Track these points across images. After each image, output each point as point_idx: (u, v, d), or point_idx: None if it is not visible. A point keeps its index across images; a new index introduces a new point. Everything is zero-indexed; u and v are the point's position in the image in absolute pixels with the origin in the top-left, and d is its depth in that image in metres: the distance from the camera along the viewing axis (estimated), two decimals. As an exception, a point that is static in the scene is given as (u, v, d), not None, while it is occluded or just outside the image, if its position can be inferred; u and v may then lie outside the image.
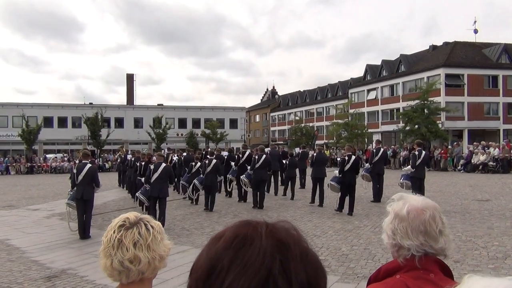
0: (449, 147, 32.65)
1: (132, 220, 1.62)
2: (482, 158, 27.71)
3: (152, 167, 11.29)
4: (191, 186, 14.89)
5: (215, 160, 13.99)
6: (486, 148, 28.58)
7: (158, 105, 63.79)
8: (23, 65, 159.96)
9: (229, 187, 17.26)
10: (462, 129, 43.76)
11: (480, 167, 27.33)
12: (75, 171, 10.18)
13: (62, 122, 56.85)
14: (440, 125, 37.83)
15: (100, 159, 41.26)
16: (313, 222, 10.96)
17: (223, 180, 16.66)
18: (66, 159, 42.37)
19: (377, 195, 14.49)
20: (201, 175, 14.29)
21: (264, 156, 14.31)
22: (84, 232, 9.67)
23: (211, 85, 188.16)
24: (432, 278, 1.61)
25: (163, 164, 11.24)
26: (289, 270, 0.72)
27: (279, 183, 17.99)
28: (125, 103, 65.16)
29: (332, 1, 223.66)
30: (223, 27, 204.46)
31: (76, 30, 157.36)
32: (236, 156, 16.91)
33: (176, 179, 16.72)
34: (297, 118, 64.55)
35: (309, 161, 18.17)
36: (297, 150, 20.71)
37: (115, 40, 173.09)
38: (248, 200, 15.18)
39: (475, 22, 52.10)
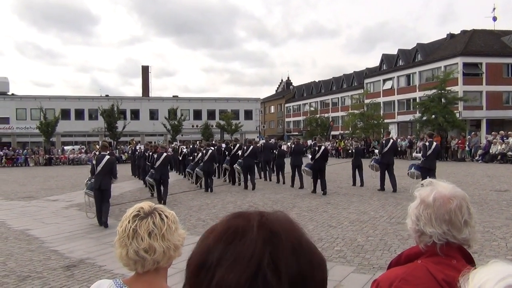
0: (468, 136, 32.18)
1: (147, 210, 1.63)
2: (500, 148, 27.27)
3: (155, 155, 13.98)
4: (194, 173, 17.75)
5: (211, 150, 16.74)
6: (505, 138, 28.11)
7: (173, 96, 64.09)
8: (39, 58, 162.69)
9: (223, 174, 20.24)
10: (480, 118, 43.05)
11: (499, 157, 26.92)
12: (94, 162, 10.68)
13: (79, 114, 57.53)
14: (457, 115, 37.24)
15: (117, 150, 41.68)
16: (328, 213, 10.93)
17: (218, 166, 20.10)
18: (83, 150, 42.95)
19: (383, 185, 14.86)
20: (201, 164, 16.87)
21: (251, 146, 17.15)
22: (101, 219, 10.06)
23: (225, 76, 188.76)
24: (454, 264, 1.60)
25: (164, 154, 13.90)
26: (279, 263, 0.69)
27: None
28: (141, 95, 65.64)
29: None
30: (236, 18, 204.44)
31: (90, 23, 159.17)
32: (229, 147, 20.03)
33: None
34: (312, 109, 64.15)
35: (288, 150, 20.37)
36: (310, 142, 21.62)
37: (129, 32, 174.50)
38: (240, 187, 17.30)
39: (494, 9, 50.78)
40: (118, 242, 1.62)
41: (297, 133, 67.67)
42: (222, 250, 0.71)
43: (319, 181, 14.59)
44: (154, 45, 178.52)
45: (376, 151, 17.56)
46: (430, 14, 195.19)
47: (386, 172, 14.77)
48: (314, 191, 14.66)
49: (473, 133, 33.72)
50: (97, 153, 11.93)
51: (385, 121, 46.18)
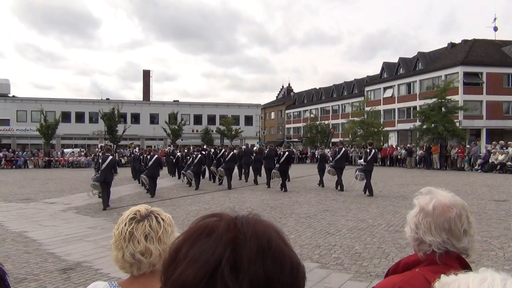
0: (467, 146, 32.17)
1: (143, 213, 1.63)
2: (500, 158, 27.27)
3: (148, 157, 17.39)
4: (187, 173, 20.47)
5: (200, 155, 19.85)
6: (504, 148, 28.09)
7: (174, 101, 64.14)
8: (40, 60, 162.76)
9: (210, 175, 22.90)
10: (480, 128, 43.07)
11: (498, 167, 26.90)
12: (100, 160, 14.09)
13: (80, 117, 57.59)
14: (457, 124, 37.26)
15: (116, 154, 41.64)
16: (326, 220, 10.92)
17: (206, 168, 22.60)
18: (83, 153, 42.89)
19: (340, 185, 17.59)
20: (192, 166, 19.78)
21: (232, 152, 20.34)
22: (105, 203, 13.36)
23: (225, 81, 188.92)
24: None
25: (156, 155, 17.06)
26: (240, 261, 0.69)
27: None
28: (141, 99, 65.71)
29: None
30: (238, 24, 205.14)
31: (91, 26, 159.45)
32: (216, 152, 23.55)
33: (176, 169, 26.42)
34: (312, 115, 64.23)
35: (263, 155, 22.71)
36: (282, 149, 23.22)
37: (130, 36, 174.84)
38: (233, 186, 19.51)
39: (495, 19, 51.03)
40: (114, 244, 1.62)
41: (297, 140, 67.80)
42: (189, 247, 0.73)
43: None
44: (154, 49, 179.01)
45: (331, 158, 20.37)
46: (432, 23, 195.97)
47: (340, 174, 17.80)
48: (285, 189, 17.53)
49: (472, 142, 33.72)
50: (101, 154, 15.53)
51: (385, 129, 46.18)
